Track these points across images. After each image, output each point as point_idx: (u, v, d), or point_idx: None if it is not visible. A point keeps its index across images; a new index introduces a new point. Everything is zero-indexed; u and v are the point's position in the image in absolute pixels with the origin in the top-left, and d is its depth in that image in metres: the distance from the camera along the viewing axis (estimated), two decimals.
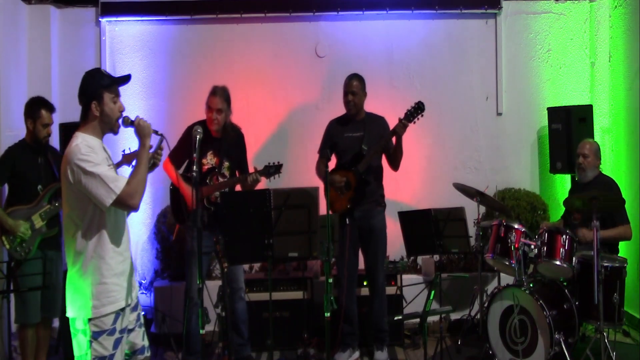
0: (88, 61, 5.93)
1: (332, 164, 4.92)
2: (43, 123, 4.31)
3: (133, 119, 3.02)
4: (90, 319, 2.84)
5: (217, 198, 4.58)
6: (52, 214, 4.31)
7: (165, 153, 3.27)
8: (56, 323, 4.98)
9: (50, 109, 4.37)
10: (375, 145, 4.64)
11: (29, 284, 4.11)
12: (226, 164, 4.65)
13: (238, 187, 4.65)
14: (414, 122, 4.55)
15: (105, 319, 2.85)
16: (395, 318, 4.67)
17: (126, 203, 2.86)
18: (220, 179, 4.60)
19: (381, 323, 4.82)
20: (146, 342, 3.12)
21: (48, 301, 4.35)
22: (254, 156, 5.44)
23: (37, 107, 4.32)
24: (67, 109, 5.76)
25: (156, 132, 3.05)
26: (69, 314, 2.91)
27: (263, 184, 4.73)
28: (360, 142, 4.71)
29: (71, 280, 2.90)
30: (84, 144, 2.86)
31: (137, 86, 5.98)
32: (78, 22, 6.00)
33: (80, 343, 2.88)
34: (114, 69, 5.96)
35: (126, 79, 3.04)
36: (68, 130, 5.36)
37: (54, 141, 4.86)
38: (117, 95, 2.98)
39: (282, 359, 4.95)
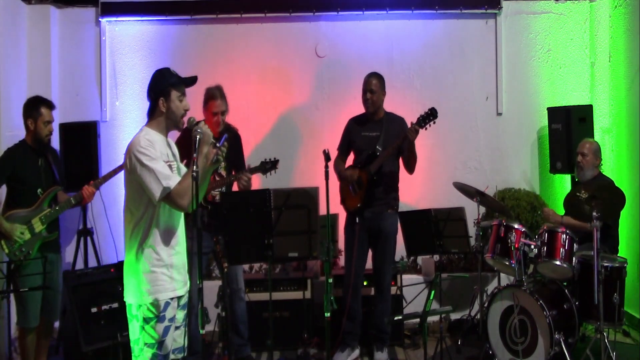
0: (88, 61, 5.94)
1: (349, 161, 4.96)
2: (44, 121, 4.26)
3: (198, 120, 3.07)
4: (140, 305, 2.96)
5: (215, 197, 4.58)
6: (52, 217, 4.26)
7: None
8: (56, 324, 4.98)
9: (50, 106, 4.32)
10: (388, 148, 4.63)
11: (29, 284, 4.08)
12: (223, 163, 4.65)
13: (235, 187, 4.64)
14: (426, 128, 4.53)
15: (155, 306, 2.96)
16: (395, 318, 4.68)
17: (175, 202, 2.94)
18: (217, 178, 4.60)
19: (383, 324, 4.81)
20: (185, 343, 3.18)
21: (48, 303, 4.33)
22: (254, 156, 5.43)
23: (37, 106, 4.27)
24: (67, 109, 5.78)
25: (215, 144, 3.06)
26: (126, 299, 3.03)
27: (259, 183, 4.73)
28: (375, 142, 4.70)
29: (128, 266, 3.03)
30: (146, 137, 2.99)
31: (137, 86, 5.98)
32: (78, 22, 6.00)
33: (134, 328, 3.01)
34: (114, 68, 5.97)
35: (194, 80, 3.15)
36: (68, 131, 5.37)
37: (54, 142, 4.86)
38: (184, 94, 3.11)
39: (282, 359, 4.95)
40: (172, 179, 2.95)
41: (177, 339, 3.13)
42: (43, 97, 4.41)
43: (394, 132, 4.70)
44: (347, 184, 4.78)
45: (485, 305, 4.63)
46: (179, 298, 3.09)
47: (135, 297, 2.98)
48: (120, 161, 4.74)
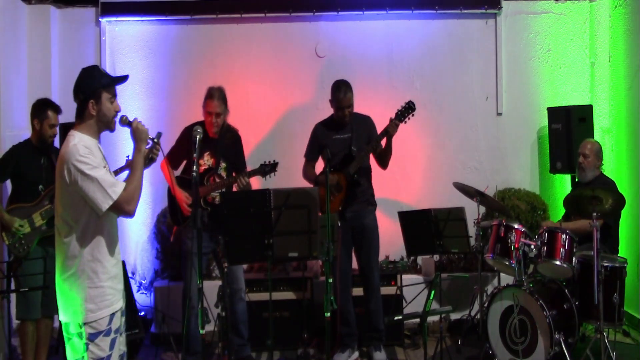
0: (88, 61, 5.92)
1: (319, 167, 4.94)
2: (50, 124, 4.43)
3: (131, 119, 2.99)
4: (85, 323, 2.80)
5: (214, 199, 4.58)
6: (53, 213, 4.32)
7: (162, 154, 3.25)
8: (57, 323, 4.98)
9: (57, 110, 4.49)
10: (368, 147, 4.64)
11: (30, 283, 4.16)
12: (223, 164, 4.66)
13: (234, 188, 4.65)
14: (405, 122, 4.55)
15: (101, 321, 2.82)
16: (395, 318, 4.68)
17: (123, 209, 2.83)
18: (217, 180, 4.60)
19: (377, 323, 4.81)
20: (126, 349, 3.08)
21: (49, 299, 4.35)
22: (254, 156, 5.44)
23: (44, 108, 4.43)
24: (67, 109, 5.71)
25: (152, 139, 3.01)
26: (62, 318, 2.87)
27: (259, 183, 4.73)
28: (349, 144, 4.72)
29: (64, 285, 2.84)
30: (82, 144, 2.80)
31: (137, 86, 5.98)
32: (78, 22, 6.00)
33: (75, 346, 2.84)
34: (114, 69, 5.97)
35: (124, 78, 3.01)
36: (68, 130, 5.36)
37: (55, 141, 4.86)
38: (114, 95, 2.94)
39: (282, 359, 4.95)
40: (118, 186, 2.81)
41: (121, 346, 3.00)
42: (51, 100, 4.57)
43: (363, 132, 4.74)
44: (323, 190, 4.75)
45: (485, 305, 4.63)
46: (118, 310, 2.94)
47: (78, 315, 2.80)
48: (120, 161, 4.77)
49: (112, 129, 2.98)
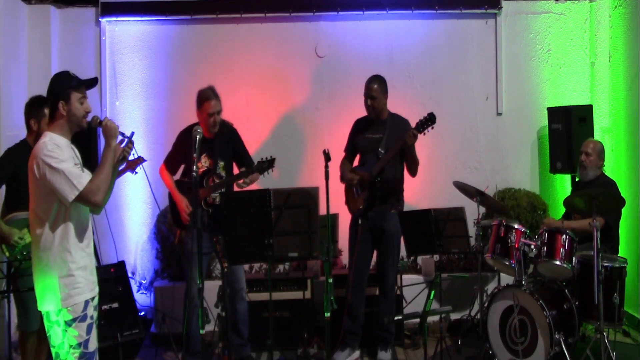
0: (88, 61, 5.94)
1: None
2: (47, 122, 4.23)
3: (102, 119, 3.15)
4: (60, 310, 2.97)
5: (215, 200, 4.58)
6: None
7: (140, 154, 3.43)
8: None
9: None
10: (389, 152, 4.64)
11: (29, 283, 4.06)
12: (221, 163, 4.64)
13: (236, 188, 4.64)
14: (424, 134, 4.54)
15: (75, 307, 2.98)
16: (395, 318, 4.68)
17: (89, 199, 2.97)
18: (217, 180, 4.59)
19: (387, 324, 4.82)
20: (97, 345, 3.15)
21: None
22: (254, 156, 5.43)
23: (41, 106, 4.22)
24: None
25: (123, 135, 3.18)
26: (41, 307, 3.03)
27: (258, 183, 4.73)
28: (377, 144, 4.71)
29: (40, 275, 3.01)
30: (51, 141, 2.98)
31: (137, 86, 5.98)
32: (78, 22, 5.99)
33: (56, 333, 3.01)
34: (114, 69, 5.97)
35: (93, 82, 3.18)
36: None
37: None
38: (85, 96, 3.11)
39: (282, 359, 4.95)
40: (83, 178, 2.97)
41: (95, 341, 3.11)
42: (45, 97, 4.39)
43: (397, 134, 4.68)
44: (351, 186, 4.79)
45: (485, 305, 4.63)
46: (92, 298, 3.10)
47: (54, 302, 2.98)
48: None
49: (84, 129, 3.15)
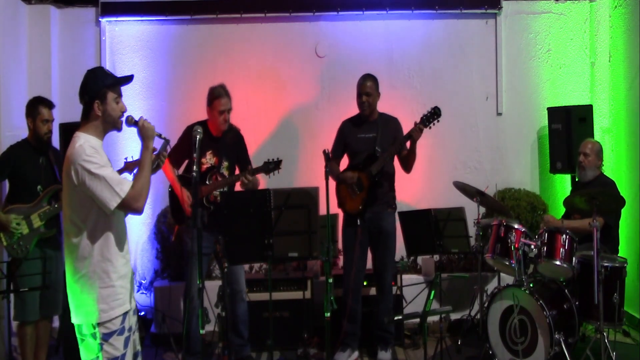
0: (88, 61, 5.93)
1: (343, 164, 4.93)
2: (43, 119, 4.35)
3: (137, 119, 2.99)
4: (99, 323, 2.80)
5: (216, 197, 4.58)
6: (51, 214, 4.32)
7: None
8: (56, 323, 4.98)
9: (49, 105, 4.41)
10: (391, 148, 4.63)
11: (28, 284, 4.12)
12: (225, 163, 4.65)
13: (238, 187, 4.64)
14: (430, 127, 4.53)
15: (114, 320, 2.82)
16: (395, 318, 4.68)
17: (131, 206, 2.83)
18: (220, 178, 4.60)
19: (387, 324, 4.81)
20: (140, 348, 3.08)
21: (47, 300, 4.35)
22: (254, 156, 5.44)
23: (35, 105, 4.37)
24: (67, 109, 5.76)
25: (160, 136, 3.04)
26: (75, 320, 2.87)
27: (263, 182, 4.74)
28: (373, 144, 4.70)
29: (76, 287, 2.84)
30: (88, 144, 2.81)
31: (137, 86, 5.98)
32: (78, 22, 6.00)
33: (89, 347, 2.84)
34: (114, 69, 5.96)
35: (129, 79, 3.02)
36: (68, 130, 5.36)
37: (54, 141, 4.87)
38: (120, 95, 2.94)
39: (282, 359, 4.95)
40: (125, 184, 2.81)
41: (135, 345, 3.00)
42: (43, 97, 4.49)
43: (390, 133, 4.71)
44: (345, 187, 4.77)
45: (485, 305, 4.63)
46: (131, 310, 2.95)
47: (91, 315, 2.80)
48: (120, 162, 4.76)
49: (119, 129, 2.98)
